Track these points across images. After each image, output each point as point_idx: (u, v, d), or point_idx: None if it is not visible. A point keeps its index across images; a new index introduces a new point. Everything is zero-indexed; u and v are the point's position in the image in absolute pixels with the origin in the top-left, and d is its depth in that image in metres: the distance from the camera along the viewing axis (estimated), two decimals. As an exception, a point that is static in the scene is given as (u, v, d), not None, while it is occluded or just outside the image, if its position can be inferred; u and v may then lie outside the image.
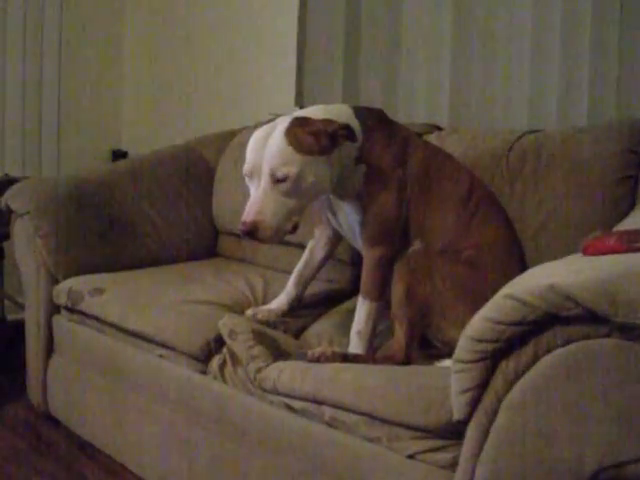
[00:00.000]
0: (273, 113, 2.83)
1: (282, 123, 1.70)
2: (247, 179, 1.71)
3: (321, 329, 2.00)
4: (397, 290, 1.74)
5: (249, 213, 1.64)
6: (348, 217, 1.86)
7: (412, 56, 2.66)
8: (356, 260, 2.14)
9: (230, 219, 2.65)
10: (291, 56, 2.96)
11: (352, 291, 2.20)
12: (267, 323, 1.97)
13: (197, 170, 2.77)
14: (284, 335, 1.90)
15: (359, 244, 1.88)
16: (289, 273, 2.14)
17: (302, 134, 1.67)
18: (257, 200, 1.65)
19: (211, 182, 2.76)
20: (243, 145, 2.28)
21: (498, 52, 2.45)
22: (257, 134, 1.72)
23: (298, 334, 2.00)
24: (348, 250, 2.22)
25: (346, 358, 1.70)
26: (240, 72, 3.26)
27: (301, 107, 2.82)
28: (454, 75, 2.55)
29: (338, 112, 1.81)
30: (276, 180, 1.65)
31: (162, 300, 2.08)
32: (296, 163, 1.65)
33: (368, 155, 1.81)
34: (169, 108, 3.59)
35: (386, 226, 1.81)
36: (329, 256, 2.10)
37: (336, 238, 2.06)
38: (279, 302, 2.06)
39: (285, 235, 1.70)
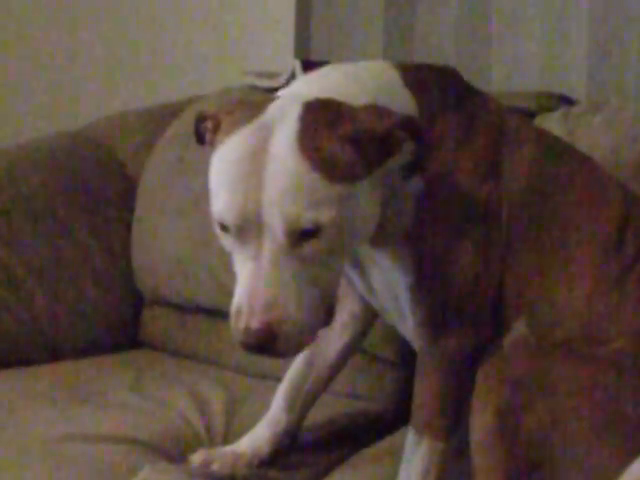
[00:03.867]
0: (252, 74, 2.89)
1: (288, 118, 1.63)
2: (226, 237, 1.66)
3: None
4: (483, 417, 1.72)
5: (254, 309, 1.58)
6: (389, 278, 1.88)
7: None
8: (407, 357, 2.12)
9: (165, 276, 2.68)
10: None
11: (397, 415, 2.19)
12: (230, 480, 1.98)
13: (103, 183, 2.81)
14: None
15: (408, 329, 1.89)
16: (276, 381, 2.13)
17: (332, 143, 1.62)
18: (264, 281, 1.59)
19: (130, 206, 2.80)
20: (189, 134, 2.05)
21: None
22: (240, 146, 1.63)
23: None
24: (390, 338, 2.24)
25: None
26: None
27: (305, 64, 2.83)
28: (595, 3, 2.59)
29: (373, 80, 1.81)
30: (298, 238, 1.60)
31: (27, 436, 2.07)
32: (333, 201, 1.60)
33: (429, 161, 1.79)
34: (50, 64, 3.64)
35: (462, 296, 1.82)
36: (353, 349, 2.12)
37: (366, 316, 2.09)
38: (255, 440, 2.06)
39: (317, 336, 1.69)
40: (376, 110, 1.66)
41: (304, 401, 2.10)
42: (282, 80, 2.75)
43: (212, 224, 1.68)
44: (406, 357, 2.13)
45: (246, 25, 3.23)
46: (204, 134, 1.78)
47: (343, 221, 1.59)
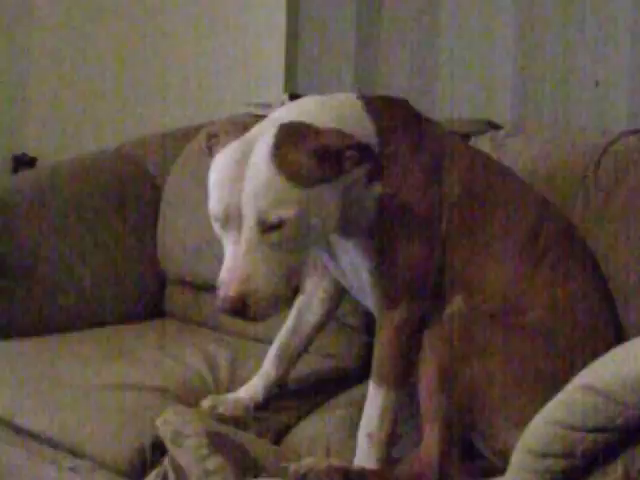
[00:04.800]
0: (252, 104, 2.86)
1: (265, 136, 1.65)
2: (217, 226, 1.68)
3: (314, 430, 1.96)
4: (427, 372, 1.71)
5: (230, 282, 1.60)
6: (355, 263, 1.83)
7: (456, 23, 2.68)
8: (367, 324, 2.12)
9: (184, 262, 2.63)
10: (279, 20, 2.99)
11: (361, 370, 2.17)
12: (232, 420, 1.93)
13: (135, 189, 2.77)
14: (257, 439, 1.86)
15: (370, 302, 1.86)
16: (268, 343, 2.10)
17: (297, 155, 1.62)
18: (240, 260, 1.61)
19: (156, 207, 2.76)
20: (203, 152, 2.18)
21: (585, 18, 2.45)
22: (228, 156, 1.66)
23: (279, 437, 1.96)
24: (356, 308, 2.21)
25: (348, 476, 1.65)
26: (202, 46, 3.28)
27: (291, 96, 2.82)
28: (518, 49, 2.56)
29: (340, 108, 1.80)
30: (267, 228, 1.62)
31: (75, 385, 2.04)
32: (293, 201, 1.61)
33: (385, 171, 1.78)
34: (97, 99, 3.59)
35: (412, 275, 1.79)
36: (327, 319, 2.09)
37: (337, 293, 2.05)
38: (252, 389, 2.04)
39: (285, 305, 1.73)
40: (336, 132, 1.68)
41: (290, 359, 2.08)
42: (274, 109, 2.72)
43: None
44: (368, 325, 2.09)
45: (246, 66, 3.19)
46: (212, 148, 1.78)
47: (302, 218, 1.62)
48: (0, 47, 3.70)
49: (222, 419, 1.92)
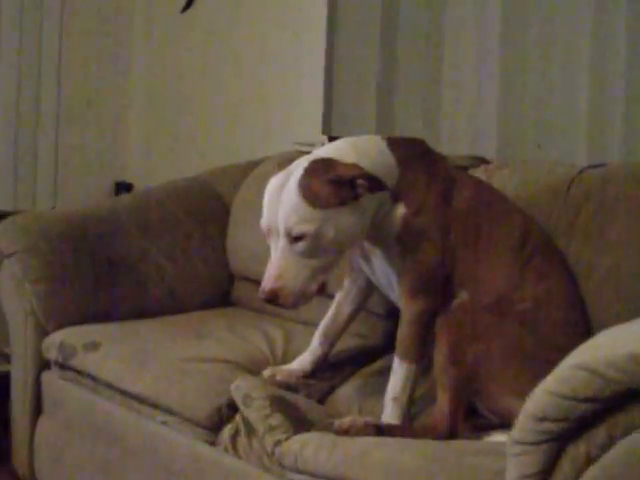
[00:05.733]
0: (298, 143, 2.83)
1: (298, 169, 1.68)
2: (265, 236, 1.71)
3: (350, 393, 1.94)
4: (440, 350, 1.69)
5: (268, 279, 1.65)
6: (384, 265, 1.81)
7: (455, 80, 2.64)
8: (390, 312, 2.08)
9: (247, 263, 2.59)
10: (318, 79, 2.94)
11: (385, 348, 2.13)
12: (287, 386, 1.91)
13: (210, 207, 2.73)
14: (307, 400, 1.84)
15: (395, 296, 1.84)
16: (314, 327, 2.08)
17: (317, 185, 1.65)
18: (276, 263, 1.65)
19: (225, 221, 2.71)
20: (262, 179, 2.24)
21: (553, 77, 2.40)
22: (272, 184, 1.71)
23: (323, 399, 1.94)
24: (382, 301, 2.15)
25: (379, 430, 1.64)
26: (262, 96, 3.24)
27: (329, 137, 2.80)
28: (503, 101, 2.51)
29: (367, 146, 1.79)
30: (293, 239, 1.64)
31: (166, 358, 2.03)
32: (312, 220, 1.63)
33: (407, 193, 1.78)
34: (181, 137, 3.57)
35: (428, 275, 1.78)
36: (360, 309, 2.05)
37: (368, 289, 2.01)
38: (302, 362, 2.00)
39: (311, 298, 1.69)
40: (351, 165, 1.68)
41: (332, 339, 2.03)
42: (316, 147, 2.70)
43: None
44: (391, 313, 2.05)
45: (293, 112, 3.14)
46: None
47: (320, 232, 1.63)
48: (98, 81, 3.65)
49: (279, 385, 1.89)
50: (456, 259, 1.79)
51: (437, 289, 1.78)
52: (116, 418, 2.04)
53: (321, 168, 1.67)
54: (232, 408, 1.80)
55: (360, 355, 2.14)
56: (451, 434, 1.63)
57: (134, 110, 3.76)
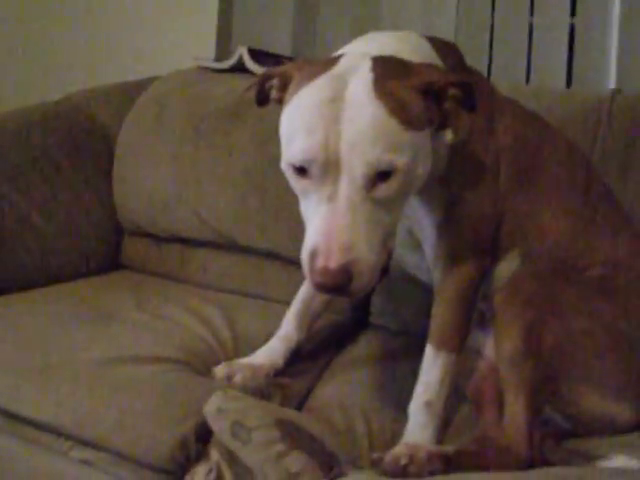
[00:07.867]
0: (202, 59, 2.16)
1: (360, 70, 1.07)
2: (298, 178, 1.06)
3: (330, 394, 1.41)
4: (507, 336, 1.21)
5: (330, 251, 1.00)
6: (421, 219, 1.27)
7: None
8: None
9: (142, 213, 1.97)
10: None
11: (356, 323, 1.71)
12: (254, 391, 1.31)
13: (86, 139, 2.03)
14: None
15: (426, 267, 1.31)
16: (251, 297, 1.67)
17: (405, 94, 1.05)
18: (343, 221, 1.01)
19: (109, 157, 2.03)
20: (156, 104, 1.84)
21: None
22: (315, 95, 1.05)
23: (299, 405, 1.38)
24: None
25: (448, 461, 1.12)
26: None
27: (217, 56, 2.24)
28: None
29: (417, 45, 1.24)
30: (375, 179, 1.02)
31: (72, 360, 1.35)
32: (406, 146, 1.04)
33: (454, 116, 1.21)
34: (38, 47, 2.71)
35: (478, 229, 1.28)
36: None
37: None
38: (271, 354, 1.43)
39: (380, 280, 1.08)
40: (436, 69, 1.12)
41: (310, 321, 1.48)
42: (230, 63, 2.10)
43: (285, 170, 1.08)
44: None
45: (180, 24, 2.44)
46: (269, 92, 1.17)
47: (413, 165, 1.05)
48: None
49: (246, 390, 1.29)
50: (505, 208, 1.29)
51: (483, 249, 1.28)
52: (9, 458, 1.30)
53: (400, 70, 1.09)
54: (202, 436, 1.18)
55: (330, 336, 1.60)
56: (530, 455, 1.16)
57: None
